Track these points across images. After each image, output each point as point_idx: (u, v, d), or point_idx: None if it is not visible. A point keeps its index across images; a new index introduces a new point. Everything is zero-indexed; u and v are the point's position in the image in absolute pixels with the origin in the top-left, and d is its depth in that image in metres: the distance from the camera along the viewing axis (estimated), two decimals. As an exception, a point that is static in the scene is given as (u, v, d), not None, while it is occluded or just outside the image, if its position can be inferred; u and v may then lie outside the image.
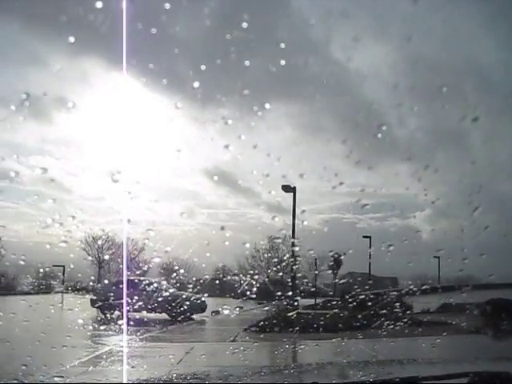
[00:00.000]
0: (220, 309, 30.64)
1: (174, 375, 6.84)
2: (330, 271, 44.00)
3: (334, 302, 30.41)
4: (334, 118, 67.75)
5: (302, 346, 15.96)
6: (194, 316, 25.92)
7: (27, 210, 70.57)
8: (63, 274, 53.88)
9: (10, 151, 71.52)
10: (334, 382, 2.95)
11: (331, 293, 40.58)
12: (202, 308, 27.29)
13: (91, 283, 51.72)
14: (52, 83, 59.16)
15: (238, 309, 33.41)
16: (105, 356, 12.29)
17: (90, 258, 57.97)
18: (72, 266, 54.26)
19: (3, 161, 71.05)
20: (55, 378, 7.76)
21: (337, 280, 45.69)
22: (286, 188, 29.14)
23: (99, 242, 58.14)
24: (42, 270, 55.20)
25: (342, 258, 39.23)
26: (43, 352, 13.66)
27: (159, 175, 71.39)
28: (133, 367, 10.23)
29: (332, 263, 41.12)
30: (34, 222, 68.98)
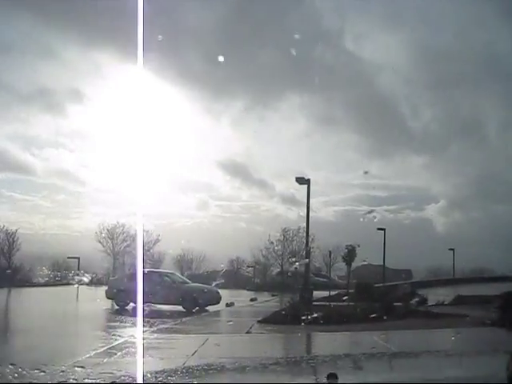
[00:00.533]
0: (234, 300, 30.72)
1: (189, 366, 6.87)
2: (345, 263, 43.83)
3: (349, 294, 30.42)
4: (349, 109, 67.65)
5: (317, 338, 15.97)
6: (209, 308, 25.98)
7: (42, 203, 71.20)
8: (78, 266, 54.18)
9: (25, 144, 72.12)
10: (349, 373, 2.95)
11: (345, 285, 40.49)
12: (216, 300, 27.33)
13: (106, 275, 52.09)
14: (66, 76, 59.49)
15: (252, 300, 33.51)
16: (120, 347, 12.35)
17: (104, 249, 58.23)
18: (87, 258, 54.79)
19: (18, 154, 71.59)
20: (75, 369, 7.82)
21: (351, 272, 45.60)
22: (301, 180, 29.07)
23: (114, 234, 58.35)
24: (57, 262, 55.76)
25: (357, 249, 39.18)
26: (60, 343, 13.78)
27: (173, 167, 71.51)
28: (148, 359, 10.29)
29: (346, 255, 40.97)
30: (49, 215, 69.58)
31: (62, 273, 55.11)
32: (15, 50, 62.87)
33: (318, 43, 66.07)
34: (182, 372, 3.55)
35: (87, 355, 10.91)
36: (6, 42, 58.19)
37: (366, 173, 67.69)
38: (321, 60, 61.47)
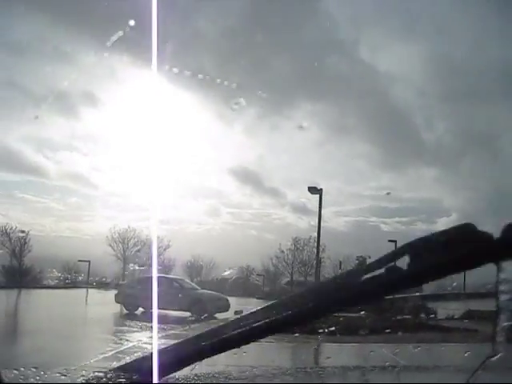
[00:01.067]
0: (243, 308, 30.66)
1: (197, 374, 6.82)
2: (355, 274, 43.78)
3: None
4: (361, 119, 67.66)
5: (325, 349, 15.90)
6: (217, 315, 25.95)
7: (54, 205, 71.48)
8: (89, 269, 54.35)
9: (39, 146, 72.50)
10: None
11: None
12: (225, 307, 27.32)
13: (116, 279, 52.21)
14: (81, 80, 59.74)
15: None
16: (128, 352, 12.35)
17: (115, 253, 58.37)
18: (97, 262, 54.93)
19: (32, 156, 72.01)
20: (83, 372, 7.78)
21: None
22: (313, 190, 29.07)
23: (125, 239, 58.50)
24: (67, 265, 55.98)
25: (367, 261, 39.15)
26: (68, 346, 13.80)
27: (185, 173, 71.68)
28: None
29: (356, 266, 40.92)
30: (61, 217, 69.89)
31: (72, 275, 55.28)
32: (30, 52, 63.30)
33: (333, 52, 66.19)
34: (190, 379, 3.51)
35: (95, 359, 10.92)
36: (22, 45, 58.52)
37: (388, 194, 66.97)
38: (335, 69, 61.52)
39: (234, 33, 52.18)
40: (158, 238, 50.97)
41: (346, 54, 63.95)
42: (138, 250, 56.21)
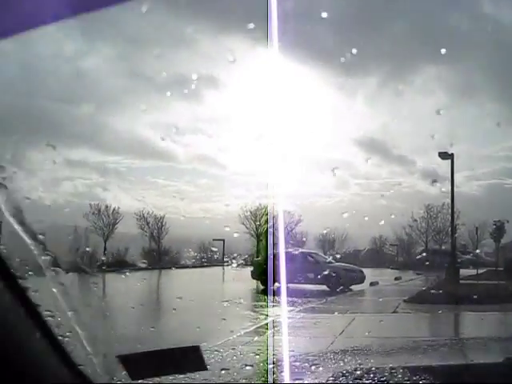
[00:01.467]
0: (378, 280, 30.45)
1: (337, 347, 6.94)
2: (492, 240, 42.08)
3: (498, 273, 29.27)
4: (489, 78, 64.38)
5: (466, 319, 15.54)
6: (353, 287, 25.93)
7: (185, 188, 73.27)
8: (223, 248, 55.76)
9: (165, 132, 74.70)
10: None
11: (494, 262, 38.93)
12: (360, 279, 27.24)
13: (250, 256, 53.29)
14: (200, 63, 60.83)
15: (396, 279, 33.08)
16: (268, 327, 12.65)
17: (248, 231, 59.47)
18: (231, 240, 56.17)
19: (159, 141, 74.34)
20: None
21: (500, 249, 43.76)
22: (443, 155, 28.23)
23: (256, 216, 59.42)
24: (203, 245, 57.71)
25: (506, 225, 37.53)
26: (210, 322, 14.32)
27: (309, 147, 71.53)
28: (295, 338, 10.46)
29: (494, 231, 39.34)
30: (192, 199, 71.95)
31: (207, 254, 56.91)
32: (150, 41, 64.90)
33: (454, 8, 63.35)
34: (330, 353, 3.59)
35: (238, 334, 11.28)
36: (142, 36, 60.24)
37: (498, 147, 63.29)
38: (457, 27, 58.93)
39: (351, 3, 51.20)
40: (289, 213, 51.37)
41: (467, 8, 60.90)
42: (271, 227, 56.95)
